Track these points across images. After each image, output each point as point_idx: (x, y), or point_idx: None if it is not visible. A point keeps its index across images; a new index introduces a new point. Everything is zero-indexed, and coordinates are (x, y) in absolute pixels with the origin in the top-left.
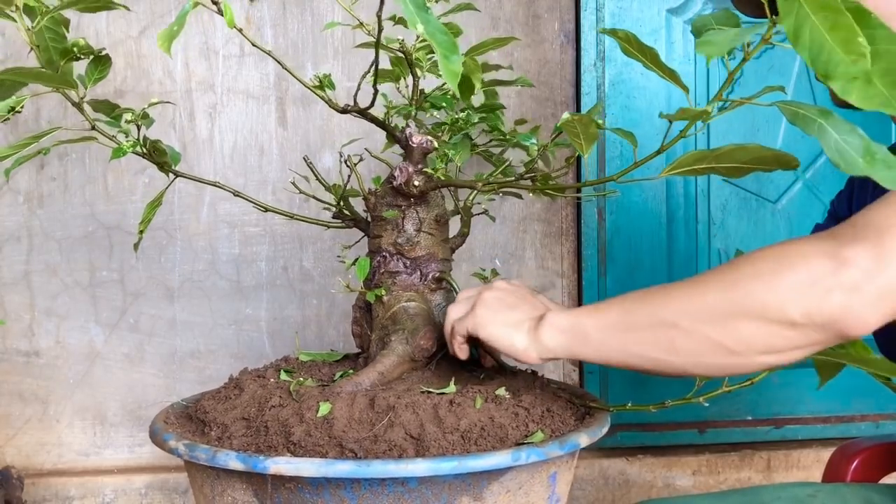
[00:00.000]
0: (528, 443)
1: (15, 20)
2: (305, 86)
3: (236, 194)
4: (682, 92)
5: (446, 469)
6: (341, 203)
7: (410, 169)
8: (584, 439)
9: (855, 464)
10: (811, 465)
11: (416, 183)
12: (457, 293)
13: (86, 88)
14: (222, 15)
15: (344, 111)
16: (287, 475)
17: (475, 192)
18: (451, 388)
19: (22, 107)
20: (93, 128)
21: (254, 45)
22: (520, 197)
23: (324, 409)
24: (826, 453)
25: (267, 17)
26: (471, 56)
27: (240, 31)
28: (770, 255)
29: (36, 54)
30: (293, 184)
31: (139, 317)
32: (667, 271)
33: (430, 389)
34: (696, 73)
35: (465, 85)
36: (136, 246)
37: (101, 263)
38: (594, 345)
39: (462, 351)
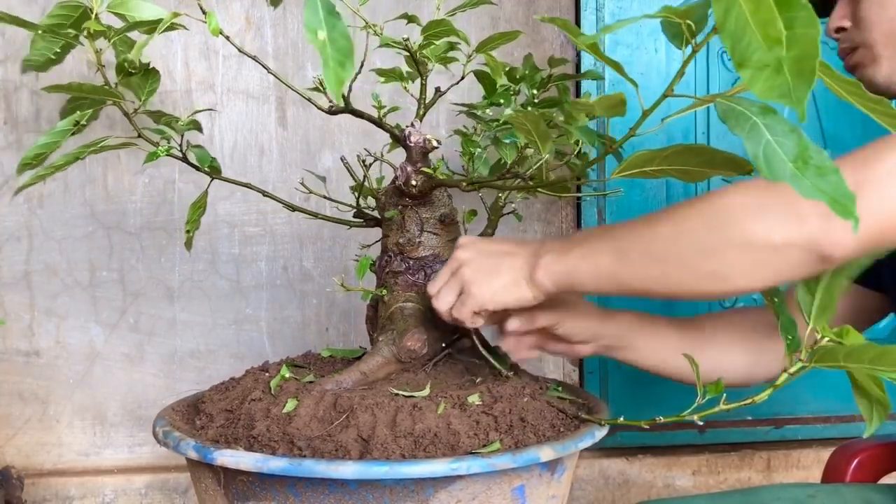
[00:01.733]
0: (477, 452)
1: (82, 44)
2: (294, 90)
3: (265, 194)
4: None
5: (377, 473)
6: (362, 201)
7: (409, 168)
8: (546, 453)
9: (855, 464)
10: (811, 465)
11: (414, 182)
12: None
13: (140, 101)
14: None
15: (330, 112)
16: (231, 468)
17: (507, 192)
18: (425, 391)
19: (87, 121)
20: (138, 135)
21: (241, 51)
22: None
23: (290, 405)
24: (826, 453)
25: (267, 17)
26: (485, 52)
27: (227, 38)
28: (757, 187)
29: (101, 73)
30: (302, 183)
31: (139, 317)
32: None
33: (401, 392)
34: (696, 72)
35: (489, 83)
36: (187, 244)
37: (101, 263)
38: (589, 285)
39: (476, 321)
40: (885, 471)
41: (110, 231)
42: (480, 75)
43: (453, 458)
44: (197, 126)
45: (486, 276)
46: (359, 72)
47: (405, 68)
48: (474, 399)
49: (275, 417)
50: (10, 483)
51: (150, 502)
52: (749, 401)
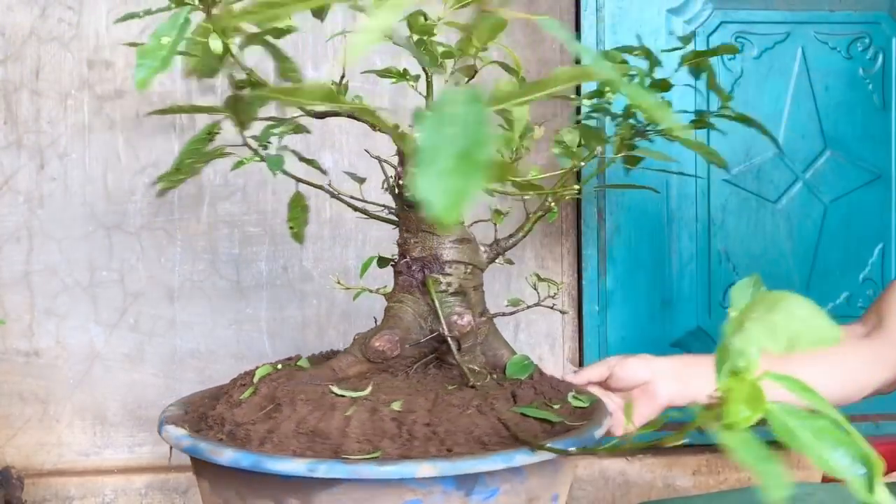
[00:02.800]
0: (345, 458)
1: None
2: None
3: (333, 196)
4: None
5: (245, 464)
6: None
7: (400, 168)
8: (425, 470)
9: None
10: (811, 464)
11: (402, 182)
12: (437, 295)
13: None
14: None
15: (315, 116)
16: (169, 443)
17: (547, 193)
18: (363, 392)
19: (219, 130)
20: (242, 143)
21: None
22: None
23: (246, 393)
24: None
25: None
26: (502, 46)
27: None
28: None
29: (230, 82)
30: (329, 185)
31: (139, 317)
32: (667, 271)
33: (336, 390)
34: None
35: (516, 76)
36: (296, 237)
37: (101, 263)
38: None
39: None
40: (885, 471)
41: (110, 231)
42: (508, 68)
43: (314, 459)
44: (302, 129)
45: None
46: (343, 76)
47: (404, 67)
48: (396, 405)
49: (231, 403)
50: (10, 483)
51: (150, 502)
52: (684, 441)
